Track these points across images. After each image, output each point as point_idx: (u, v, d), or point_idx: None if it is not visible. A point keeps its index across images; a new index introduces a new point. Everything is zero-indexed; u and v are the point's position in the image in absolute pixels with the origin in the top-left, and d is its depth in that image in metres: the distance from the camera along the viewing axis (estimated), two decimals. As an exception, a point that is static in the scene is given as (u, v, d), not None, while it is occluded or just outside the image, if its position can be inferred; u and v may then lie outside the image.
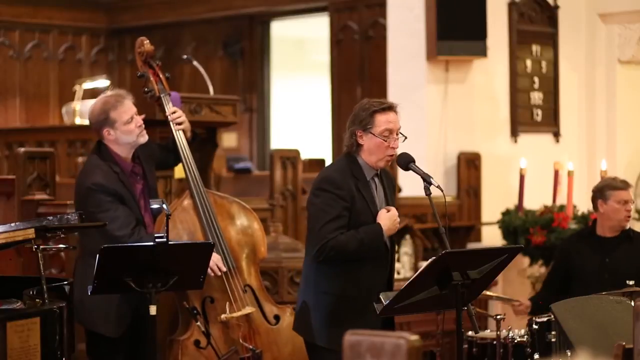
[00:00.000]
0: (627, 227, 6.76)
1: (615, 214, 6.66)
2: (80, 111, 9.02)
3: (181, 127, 6.14)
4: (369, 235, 5.11)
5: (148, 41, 6.32)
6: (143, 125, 5.82)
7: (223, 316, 5.97)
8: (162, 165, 6.27)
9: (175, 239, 5.75)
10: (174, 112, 6.13)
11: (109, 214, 5.67)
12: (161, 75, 6.26)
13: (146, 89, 6.26)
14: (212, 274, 5.87)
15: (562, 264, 6.87)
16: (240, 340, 5.99)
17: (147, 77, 6.26)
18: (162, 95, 6.20)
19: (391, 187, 5.36)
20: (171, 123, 6.13)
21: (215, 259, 5.85)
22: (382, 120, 5.13)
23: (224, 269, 5.95)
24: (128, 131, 5.78)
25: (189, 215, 6.08)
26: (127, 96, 5.85)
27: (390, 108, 5.18)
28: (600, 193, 6.71)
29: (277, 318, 6.18)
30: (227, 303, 6.00)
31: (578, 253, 6.77)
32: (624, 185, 6.74)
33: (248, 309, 6.04)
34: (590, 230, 6.87)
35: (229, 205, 6.25)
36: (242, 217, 6.25)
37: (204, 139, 7.05)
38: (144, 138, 5.83)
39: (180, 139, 6.13)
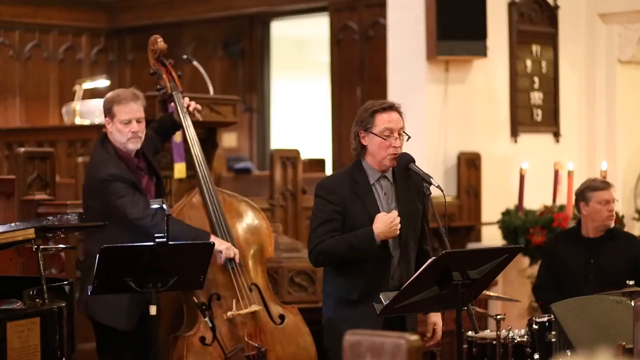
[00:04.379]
0: (612, 227, 6.74)
1: (597, 214, 6.65)
2: (80, 111, 9.01)
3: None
4: (358, 238, 5.09)
5: (162, 39, 6.40)
6: (140, 134, 5.85)
7: (229, 313, 6.00)
8: (154, 151, 6.31)
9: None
10: (188, 106, 6.23)
11: (128, 199, 5.73)
12: (173, 73, 6.35)
13: (158, 87, 6.34)
14: (223, 260, 5.95)
15: (550, 264, 6.86)
16: (246, 338, 6.00)
17: (160, 75, 6.33)
18: (174, 93, 6.27)
19: (415, 190, 5.25)
20: (183, 120, 6.19)
21: (234, 250, 5.97)
22: (382, 120, 5.13)
23: (234, 255, 6.00)
24: (120, 131, 5.83)
25: (197, 212, 6.12)
26: (137, 100, 5.88)
27: (391, 108, 5.18)
28: (581, 195, 6.71)
29: (282, 318, 6.20)
30: (234, 300, 6.02)
31: (563, 253, 6.77)
32: (605, 185, 6.72)
33: (254, 307, 6.07)
34: (576, 230, 6.87)
35: (238, 204, 6.30)
36: (250, 216, 6.29)
37: (204, 139, 7.06)
38: (134, 145, 5.87)
39: (192, 135, 6.20)
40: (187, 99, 6.30)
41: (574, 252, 6.72)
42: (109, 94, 5.97)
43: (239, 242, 6.15)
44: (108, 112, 5.87)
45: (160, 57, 6.35)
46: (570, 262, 6.69)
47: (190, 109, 6.26)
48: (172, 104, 6.28)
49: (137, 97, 5.90)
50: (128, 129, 5.81)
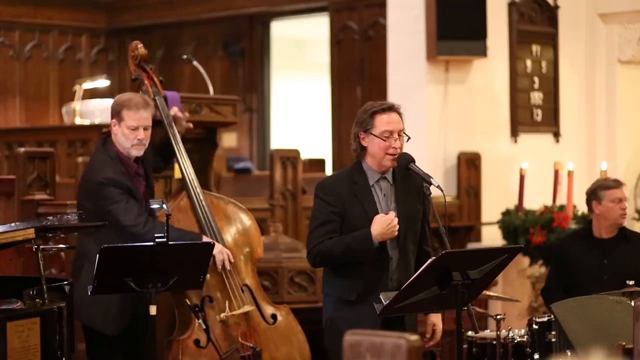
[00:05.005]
0: (623, 226, 6.74)
1: (610, 213, 6.65)
2: (80, 111, 9.00)
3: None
4: (356, 240, 5.09)
5: (142, 45, 6.40)
6: (144, 141, 5.86)
7: (222, 315, 6.01)
8: (154, 169, 6.32)
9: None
10: (172, 112, 6.22)
11: (121, 205, 5.73)
12: (155, 79, 6.35)
13: (141, 92, 6.33)
14: (220, 267, 5.94)
15: (561, 265, 6.85)
16: (240, 339, 6.01)
17: (142, 80, 6.35)
18: (156, 98, 6.28)
19: (415, 190, 5.25)
20: (166, 125, 6.19)
21: (226, 251, 5.94)
22: (381, 121, 5.13)
23: (227, 257, 6.00)
24: (126, 136, 5.83)
25: (186, 215, 6.13)
26: (147, 108, 5.89)
27: (391, 108, 5.18)
28: (593, 194, 6.70)
29: (274, 317, 6.21)
30: (226, 302, 6.03)
31: (575, 254, 6.75)
32: (617, 183, 6.73)
33: (247, 307, 6.08)
34: (586, 231, 6.85)
35: (225, 205, 6.30)
36: (238, 217, 6.30)
37: (204, 139, 7.06)
38: (137, 152, 5.87)
39: (177, 139, 6.19)
40: (173, 108, 6.30)
41: (586, 253, 6.70)
42: (121, 97, 5.96)
43: (229, 244, 6.16)
44: (116, 114, 5.86)
45: (141, 63, 6.37)
46: (583, 263, 6.68)
47: (172, 113, 6.25)
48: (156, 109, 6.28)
49: (148, 104, 5.91)
50: (134, 136, 5.82)
